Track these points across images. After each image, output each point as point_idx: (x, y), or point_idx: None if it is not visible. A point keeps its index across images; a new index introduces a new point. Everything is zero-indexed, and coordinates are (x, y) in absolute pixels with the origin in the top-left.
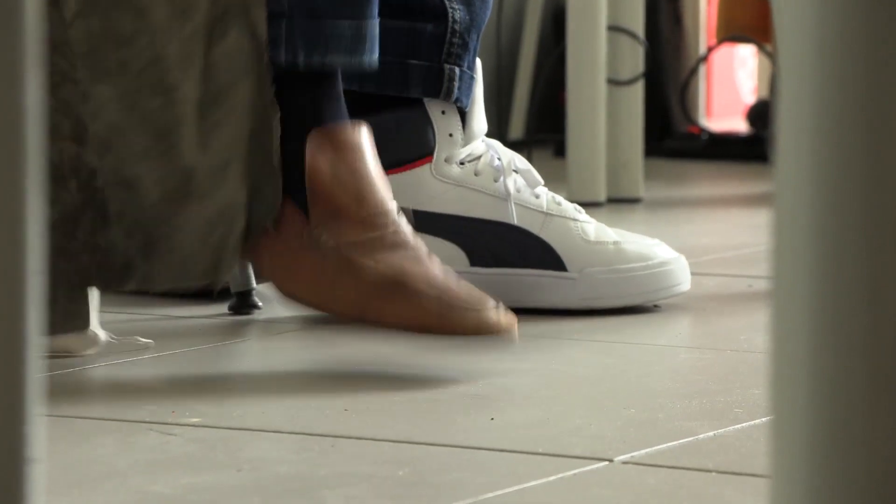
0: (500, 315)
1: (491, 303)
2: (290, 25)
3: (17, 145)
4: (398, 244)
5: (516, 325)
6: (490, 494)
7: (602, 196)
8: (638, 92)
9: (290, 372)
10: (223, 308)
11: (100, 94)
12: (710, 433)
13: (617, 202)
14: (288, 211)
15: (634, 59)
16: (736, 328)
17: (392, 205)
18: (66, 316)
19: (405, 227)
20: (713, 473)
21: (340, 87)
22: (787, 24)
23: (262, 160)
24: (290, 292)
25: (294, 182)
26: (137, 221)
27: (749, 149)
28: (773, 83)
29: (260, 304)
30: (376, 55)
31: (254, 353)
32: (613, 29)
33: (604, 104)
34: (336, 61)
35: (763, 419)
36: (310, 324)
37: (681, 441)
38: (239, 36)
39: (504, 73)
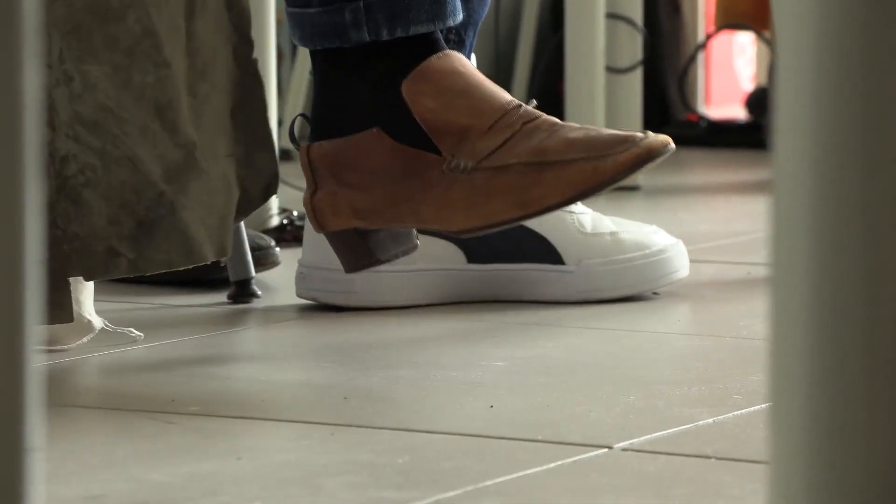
0: (649, 141)
1: (638, 135)
2: (368, 4)
3: (16, 135)
4: (532, 132)
5: (670, 141)
6: (489, 482)
7: None
8: (636, 79)
9: (290, 360)
10: (222, 297)
11: (87, 74)
12: (710, 420)
13: (615, 190)
14: (422, 157)
15: (633, 47)
16: (735, 315)
17: (511, 102)
18: (49, 307)
19: (531, 113)
20: (712, 460)
21: (434, 37)
22: (786, 11)
23: (251, 132)
24: (459, 229)
25: (417, 131)
26: (129, 205)
27: (748, 136)
28: (772, 70)
29: (259, 292)
30: (460, 14)
31: (253, 342)
32: (612, 16)
33: (602, 92)
34: (420, 30)
35: (762, 406)
36: (309, 312)
37: (680, 428)
38: (218, 7)
39: (502, 62)
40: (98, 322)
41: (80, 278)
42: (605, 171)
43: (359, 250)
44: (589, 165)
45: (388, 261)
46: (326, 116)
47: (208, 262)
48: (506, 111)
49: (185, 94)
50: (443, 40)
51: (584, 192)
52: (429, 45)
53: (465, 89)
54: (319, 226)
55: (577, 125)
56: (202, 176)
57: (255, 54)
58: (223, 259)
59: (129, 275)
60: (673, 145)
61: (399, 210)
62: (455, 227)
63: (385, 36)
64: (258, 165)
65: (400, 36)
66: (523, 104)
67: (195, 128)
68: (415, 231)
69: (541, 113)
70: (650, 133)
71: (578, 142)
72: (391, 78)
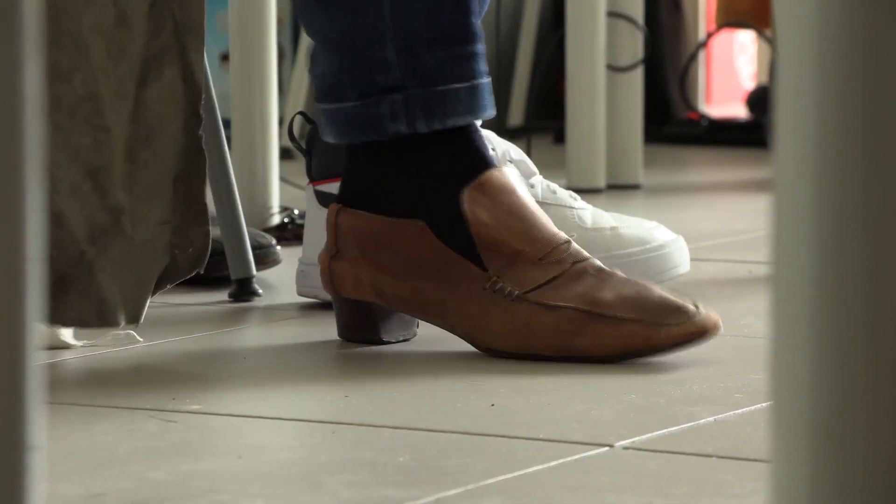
0: (702, 318)
1: (691, 308)
2: (407, 97)
3: (16, 135)
4: (581, 274)
5: (720, 321)
6: (490, 480)
7: (602, 182)
8: (637, 78)
9: (291, 359)
10: (223, 295)
11: None
12: (711, 418)
13: (616, 188)
14: (464, 266)
15: (634, 46)
16: (736, 313)
17: (560, 236)
18: None
19: (579, 253)
20: (713, 458)
21: (479, 135)
22: (787, 9)
23: (189, 204)
24: (488, 345)
25: (465, 240)
26: (52, 259)
27: (748, 134)
28: (773, 69)
29: (260, 291)
30: (493, 109)
31: (254, 341)
32: (613, 15)
33: (603, 91)
34: (456, 123)
35: (763, 404)
36: (310, 310)
37: (681, 426)
38: (173, 78)
39: (503, 60)
40: (73, 342)
41: None
42: (656, 342)
43: (365, 325)
44: (641, 330)
45: (387, 342)
46: (363, 188)
47: (118, 327)
48: (557, 245)
49: (123, 159)
50: (483, 140)
51: (629, 356)
52: (473, 147)
53: (520, 212)
54: (334, 289)
55: (623, 275)
56: (126, 241)
57: (254, 58)
58: (133, 325)
59: (46, 322)
60: (722, 328)
61: (426, 307)
62: (485, 345)
63: (422, 128)
64: (191, 237)
65: (437, 128)
66: (571, 240)
67: (128, 193)
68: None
69: (588, 255)
70: (701, 308)
71: (630, 300)
72: (441, 178)
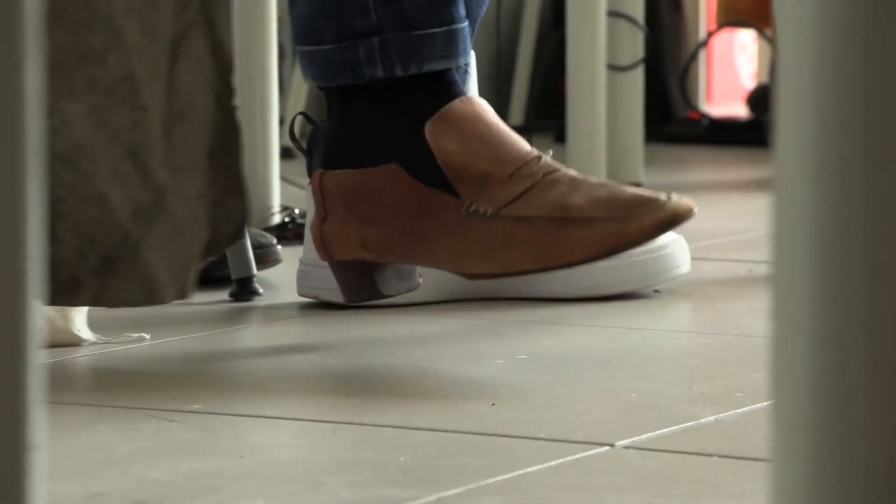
0: (672, 204)
1: (661, 197)
2: (383, 41)
3: (16, 135)
4: (552, 183)
5: (693, 205)
6: (491, 480)
7: None
8: (638, 77)
9: (291, 358)
10: (223, 295)
11: (65, 112)
12: (711, 417)
13: None
14: (440, 199)
15: (634, 45)
16: (736, 313)
17: (531, 153)
18: None
19: (551, 166)
20: (714, 458)
21: (451, 77)
22: (787, 8)
23: (225, 176)
24: (473, 272)
25: (437, 173)
26: (97, 240)
27: (749, 134)
28: (773, 68)
29: (260, 290)
30: (470, 54)
31: (254, 340)
32: (613, 14)
33: (604, 90)
34: (432, 67)
35: (764, 403)
36: (310, 310)
37: (682, 426)
38: (202, 54)
39: (504, 59)
40: (89, 335)
41: None
42: (629, 234)
43: (363, 283)
44: (613, 226)
45: (390, 296)
46: (341, 146)
47: (166, 303)
48: (526, 161)
49: (161, 137)
50: (458, 80)
51: (605, 253)
52: (444, 84)
53: (487, 136)
54: (326, 254)
55: (597, 180)
56: (170, 218)
57: (254, 57)
58: (182, 299)
59: (90, 305)
60: (696, 210)
61: (412, 248)
62: (470, 270)
63: (399, 72)
64: (230, 208)
65: (413, 73)
66: (543, 155)
67: (168, 169)
68: (418, 269)
69: (560, 165)
70: (673, 196)
71: (601, 200)
72: (410, 116)
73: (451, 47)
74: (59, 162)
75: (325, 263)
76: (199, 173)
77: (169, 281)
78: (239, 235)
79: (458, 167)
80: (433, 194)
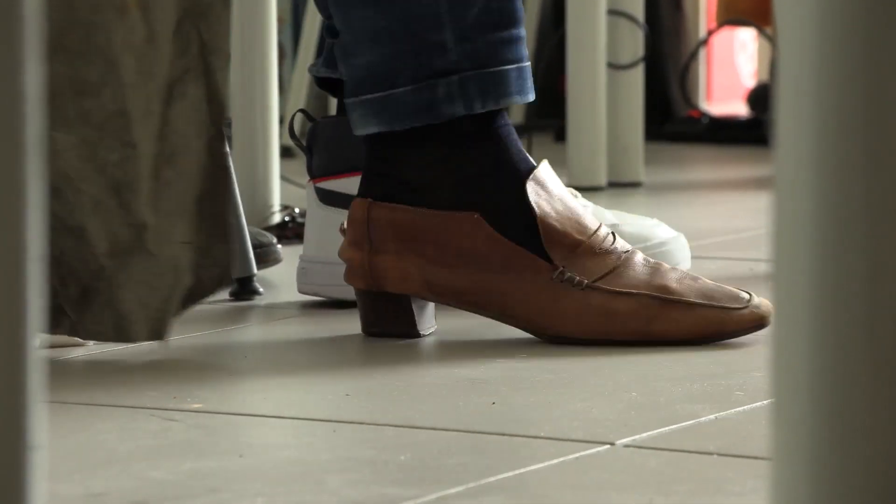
0: (760, 303)
1: (745, 295)
2: (462, 79)
3: (16, 135)
4: (634, 263)
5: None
6: (491, 478)
7: (603, 180)
8: (638, 76)
9: (292, 357)
10: (224, 294)
11: (56, 141)
12: (712, 416)
13: (617, 186)
14: (530, 261)
15: (634, 44)
16: None
17: (604, 227)
18: None
19: (624, 244)
20: (714, 456)
21: (512, 127)
22: (787, 7)
23: (212, 223)
24: (562, 332)
25: (524, 231)
26: (76, 272)
27: (749, 132)
28: (773, 66)
29: (261, 290)
30: (534, 91)
31: (255, 339)
32: (613, 13)
33: (604, 88)
34: (508, 103)
35: (764, 402)
36: (311, 309)
37: (682, 424)
38: (198, 97)
39: None
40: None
41: None
42: (730, 324)
43: (400, 318)
44: (715, 315)
45: (419, 336)
46: (395, 179)
47: (136, 342)
48: (605, 235)
49: (148, 176)
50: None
51: (704, 338)
52: (506, 130)
53: (570, 204)
54: (376, 285)
55: (668, 265)
56: (148, 258)
57: (255, 57)
58: (157, 340)
59: (68, 335)
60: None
61: (485, 299)
62: (558, 332)
63: (479, 108)
64: (215, 256)
65: (491, 108)
66: (613, 231)
67: (152, 210)
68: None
69: (630, 245)
70: (753, 295)
71: (695, 287)
72: (494, 168)
73: (522, 84)
74: (47, 193)
75: (326, 260)
76: (185, 218)
77: (142, 320)
78: (223, 284)
79: (555, 232)
80: (521, 252)
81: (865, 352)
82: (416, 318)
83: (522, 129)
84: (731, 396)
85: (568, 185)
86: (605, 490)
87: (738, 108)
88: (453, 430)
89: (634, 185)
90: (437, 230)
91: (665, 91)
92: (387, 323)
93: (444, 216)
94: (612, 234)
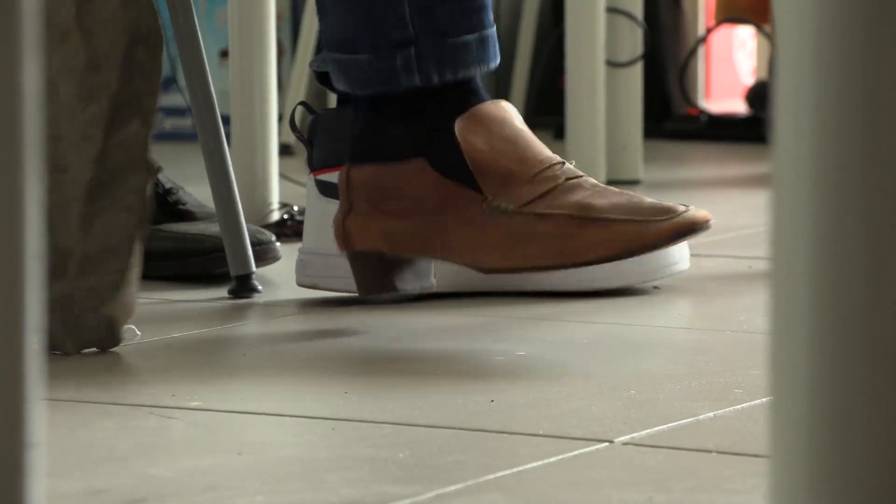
0: (691, 213)
1: (680, 207)
2: (419, 50)
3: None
4: (575, 187)
5: (710, 216)
6: (490, 476)
7: (602, 178)
8: (637, 74)
9: (291, 355)
10: (223, 292)
11: None
12: (710, 414)
13: (617, 184)
14: (462, 193)
15: (633, 41)
16: (736, 309)
17: (554, 158)
18: None
19: (574, 171)
20: (713, 454)
21: (477, 82)
22: (786, 5)
23: (120, 273)
24: (489, 267)
25: (463, 169)
26: None
27: (748, 130)
28: (772, 64)
29: (260, 287)
30: (498, 57)
31: (254, 337)
32: (612, 11)
33: (603, 86)
34: (466, 73)
35: (763, 399)
36: (310, 307)
37: (681, 422)
38: (139, 126)
39: (503, 56)
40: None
41: None
42: (647, 237)
43: (380, 276)
44: (631, 228)
45: (404, 293)
46: (367, 143)
47: (69, 355)
48: (550, 164)
49: (82, 201)
50: (482, 84)
51: (622, 253)
52: (471, 88)
53: (513, 137)
54: (345, 244)
55: (618, 189)
56: (71, 282)
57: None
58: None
59: None
60: (712, 221)
61: (431, 241)
62: (487, 265)
63: (435, 80)
64: (124, 301)
65: (449, 80)
66: (566, 162)
67: (82, 236)
68: (433, 269)
69: (583, 173)
70: (691, 207)
71: (622, 205)
72: (439, 117)
73: (483, 53)
74: None
75: (325, 252)
76: (119, 246)
77: (64, 339)
78: (114, 338)
79: (484, 163)
80: (456, 188)
81: (864, 349)
82: (394, 275)
83: None
84: (730, 394)
85: None
86: (604, 488)
87: (737, 106)
88: (452, 428)
89: (633, 182)
90: (394, 183)
91: (664, 89)
92: (367, 284)
93: (399, 167)
94: (563, 163)
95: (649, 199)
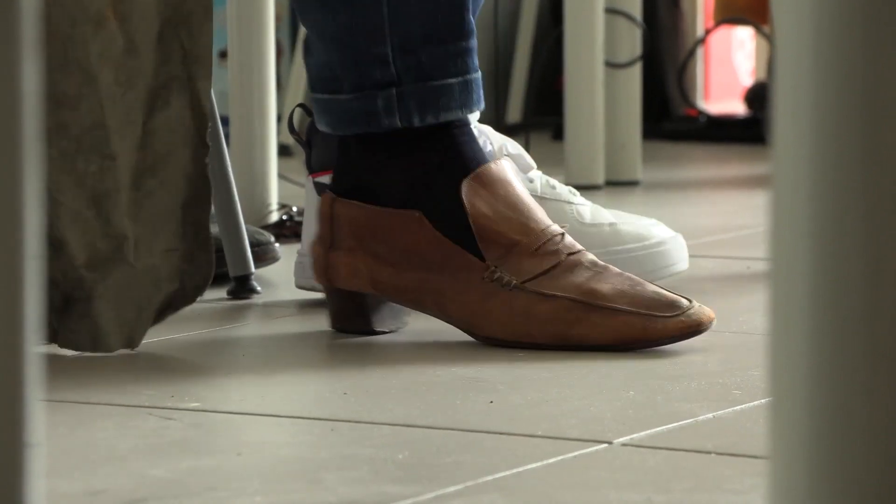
0: (696, 311)
1: (685, 302)
2: (401, 92)
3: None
4: (576, 265)
5: (713, 315)
6: (489, 477)
7: (600, 179)
8: (636, 74)
9: (289, 356)
10: (222, 293)
11: None
12: (709, 415)
13: (615, 185)
14: (462, 257)
15: (632, 42)
16: (734, 310)
17: (555, 227)
18: None
19: (573, 245)
20: (712, 455)
21: (471, 129)
22: (784, 5)
23: (195, 231)
24: (486, 334)
25: (463, 231)
26: (56, 282)
27: (747, 131)
28: (771, 65)
29: (259, 288)
30: (482, 103)
31: (253, 338)
32: (611, 11)
33: (602, 87)
34: (448, 117)
35: (762, 400)
36: (309, 308)
37: (680, 423)
38: (181, 107)
39: (502, 57)
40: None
41: None
42: (653, 333)
43: (356, 315)
44: (638, 321)
45: (378, 333)
46: (355, 178)
47: (111, 352)
48: (552, 236)
49: (129, 187)
50: (472, 129)
51: (626, 345)
52: (459, 133)
53: (517, 203)
54: (328, 280)
55: (617, 270)
56: (128, 268)
57: (252, 54)
58: (129, 349)
59: (50, 343)
60: (715, 321)
61: (423, 298)
62: (483, 332)
63: (416, 122)
64: (198, 263)
65: (430, 123)
66: (565, 232)
67: (133, 220)
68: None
69: (581, 247)
70: (695, 303)
71: (626, 293)
72: (434, 167)
73: (466, 97)
74: None
75: None
76: (168, 226)
77: (117, 329)
78: (201, 291)
79: (489, 231)
80: (457, 251)
81: (863, 349)
82: (372, 315)
83: (520, 128)
84: (729, 395)
85: (566, 184)
86: (603, 489)
87: (736, 107)
88: (451, 429)
89: (632, 183)
90: (385, 228)
91: (663, 89)
92: (344, 318)
93: (392, 214)
94: (563, 234)
95: (651, 285)
